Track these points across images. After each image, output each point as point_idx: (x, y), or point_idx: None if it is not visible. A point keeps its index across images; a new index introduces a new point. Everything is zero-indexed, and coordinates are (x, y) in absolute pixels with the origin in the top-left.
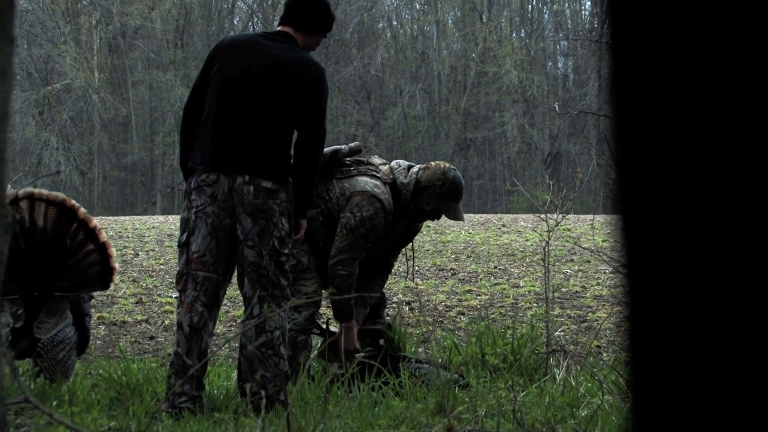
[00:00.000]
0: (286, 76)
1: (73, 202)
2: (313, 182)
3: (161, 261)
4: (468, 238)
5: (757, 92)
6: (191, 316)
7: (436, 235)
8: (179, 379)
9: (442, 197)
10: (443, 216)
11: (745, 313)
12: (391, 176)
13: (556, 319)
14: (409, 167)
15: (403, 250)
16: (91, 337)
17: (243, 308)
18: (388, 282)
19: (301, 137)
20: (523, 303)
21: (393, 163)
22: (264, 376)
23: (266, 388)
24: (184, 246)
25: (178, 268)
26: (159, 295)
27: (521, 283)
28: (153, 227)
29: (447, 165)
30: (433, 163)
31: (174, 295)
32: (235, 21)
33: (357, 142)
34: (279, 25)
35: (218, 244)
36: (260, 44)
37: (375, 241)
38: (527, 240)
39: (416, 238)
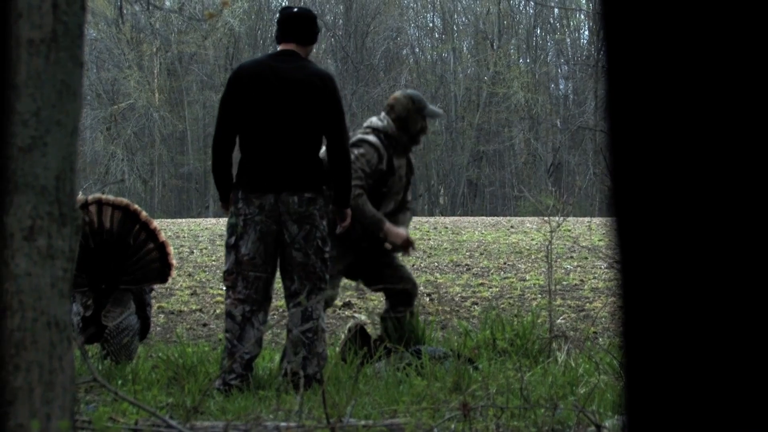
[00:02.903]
0: (307, 91)
1: (136, 206)
2: (350, 174)
3: (213, 258)
4: (481, 238)
5: (727, 112)
6: (243, 307)
7: (453, 235)
8: (231, 361)
9: (418, 112)
10: (430, 117)
11: (721, 303)
12: (369, 128)
13: (557, 308)
14: (375, 119)
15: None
16: (152, 324)
17: (284, 300)
18: None
19: (330, 139)
20: (529, 294)
21: (365, 123)
22: (306, 358)
23: (306, 368)
24: (232, 248)
25: (226, 267)
26: (211, 288)
27: (527, 277)
28: (206, 228)
29: (402, 91)
30: (392, 99)
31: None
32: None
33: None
34: (280, 43)
35: (266, 247)
36: (276, 68)
37: (385, 177)
38: (532, 239)
39: (435, 238)
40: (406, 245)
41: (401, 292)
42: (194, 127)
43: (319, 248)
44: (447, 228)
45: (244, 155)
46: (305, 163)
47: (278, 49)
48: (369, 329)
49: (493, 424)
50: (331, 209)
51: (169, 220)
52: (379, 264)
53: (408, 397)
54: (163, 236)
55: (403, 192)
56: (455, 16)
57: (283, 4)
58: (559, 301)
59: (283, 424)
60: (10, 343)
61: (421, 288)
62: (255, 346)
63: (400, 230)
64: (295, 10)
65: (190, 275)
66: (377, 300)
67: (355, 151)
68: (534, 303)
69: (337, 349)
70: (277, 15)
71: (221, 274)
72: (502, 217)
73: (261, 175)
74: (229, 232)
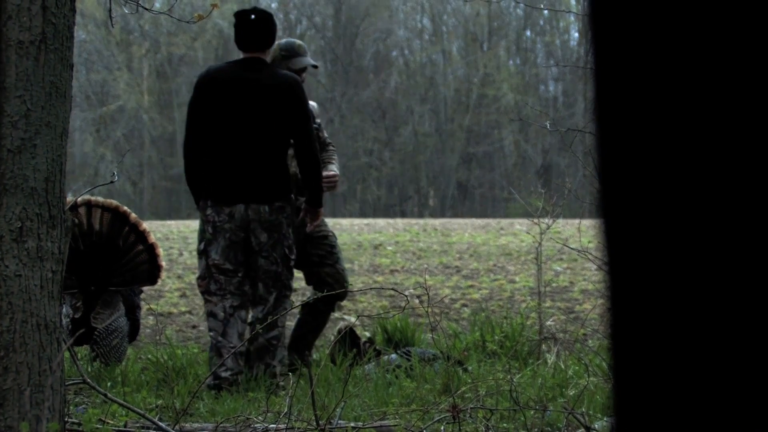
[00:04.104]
0: (274, 98)
1: (126, 208)
2: (320, 176)
3: None
4: (470, 240)
5: (716, 113)
6: (224, 304)
7: (442, 237)
8: (219, 357)
9: (283, 60)
10: (300, 68)
11: (710, 305)
12: None
13: (547, 310)
14: None
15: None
16: (141, 326)
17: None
18: (400, 278)
19: (298, 143)
20: (518, 296)
21: None
22: (268, 364)
23: (266, 372)
24: (202, 254)
25: (199, 273)
26: None
27: (517, 279)
28: (195, 230)
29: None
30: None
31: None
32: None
33: None
34: (245, 50)
35: (236, 254)
36: (244, 77)
37: None
38: (522, 241)
39: (424, 240)
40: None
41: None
42: (184, 129)
43: (285, 256)
44: (436, 230)
45: (212, 163)
46: (274, 172)
47: (242, 56)
48: (358, 331)
49: (483, 426)
50: (303, 207)
51: (158, 221)
52: (320, 261)
53: (397, 399)
54: (152, 238)
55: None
56: (444, 18)
57: (273, 6)
58: (548, 303)
59: (272, 426)
60: None
61: (411, 290)
62: (239, 341)
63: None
64: (252, 16)
65: (179, 277)
66: (366, 302)
67: None
68: (523, 305)
69: (327, 350)
70: (234, 19)
71: (195, 281)
72: (491, 219)
73: (231, 185)
74: (199, 239)
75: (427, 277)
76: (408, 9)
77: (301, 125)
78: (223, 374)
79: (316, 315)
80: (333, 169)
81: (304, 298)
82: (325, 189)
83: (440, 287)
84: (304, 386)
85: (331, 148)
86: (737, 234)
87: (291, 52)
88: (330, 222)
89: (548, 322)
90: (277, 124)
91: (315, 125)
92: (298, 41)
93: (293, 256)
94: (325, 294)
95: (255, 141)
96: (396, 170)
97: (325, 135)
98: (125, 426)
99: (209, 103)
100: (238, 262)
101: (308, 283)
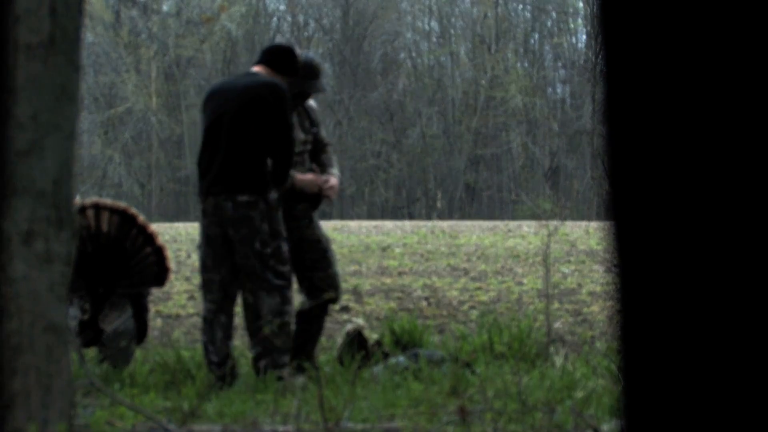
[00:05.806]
0: (252, 100)
1: (134, 210)
2: (285, 182)
3: None
4: (478, 242)
5: (726, 116)
6: (209, 309)
7: (450, 239)
8: (206, 337)
9: (302, 78)
10: (312, 92)
11: (720, 307)
12: None
13: (555, 312)
14: None
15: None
16: (149, 328)
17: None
18: (408, 281)
19: (275, 150)
20: (526, 298)
21: None
22: (258, 351)
23: (259, 360)
24: (199, 251)
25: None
26: None
27: (525, 281)
28: None
29: (303, 52)
30: None
31: None
32: None
33: None
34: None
35: (214, 250)
36: (232, 83)
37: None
38: (530, 243)
39: (432, 242)
40: (317, 194)
41: (323, 299)
42: (192, 131)
43: (257, 251)
44: (444, 232)
45: (197, 162)
46: (240, 169)
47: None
48: (366, 333)
49: (491, 428)
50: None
51: (166, 223)
52: (312, 266)
53: (405, 401)
54: (160, 240)
55: (311, 137)
56: (452, 20)
57: (281, 9)
58: (556, 305)
59: (280, 427)
60: (7, 347)
61: (419, 292)
62: (222, 346)
63: (307, 176)
64: (276, 41)
65: (187, 279)
66: (374, 304)
67: None
68: (531, 307)
69: (335, 353)
70: None
71: None
72: (499, 221)
73: (202, 181)
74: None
75: (434, 279)
76: (416, 11)
77: (278, 131)
78: (211, 356)
79: (311, 322)
80: (333, 173)
81: (297, 307)
82: (327, 198)
83: (448, 289)
84: (312, 388)
85: (329, 149)
86: (748, 237)
87: (308, 73)
88: (338, 224)
89: (556, 324)
90: (251, 124)
91: (315, 129)
92: (317, 60)
93: (269, 250)
94: (319, 301)
95: (224, 139)
96: (404, 172)
97: (323, 135)
98: (133, 428)
99: (203, 112)
100: (217, 258)
101: (300, 287)
